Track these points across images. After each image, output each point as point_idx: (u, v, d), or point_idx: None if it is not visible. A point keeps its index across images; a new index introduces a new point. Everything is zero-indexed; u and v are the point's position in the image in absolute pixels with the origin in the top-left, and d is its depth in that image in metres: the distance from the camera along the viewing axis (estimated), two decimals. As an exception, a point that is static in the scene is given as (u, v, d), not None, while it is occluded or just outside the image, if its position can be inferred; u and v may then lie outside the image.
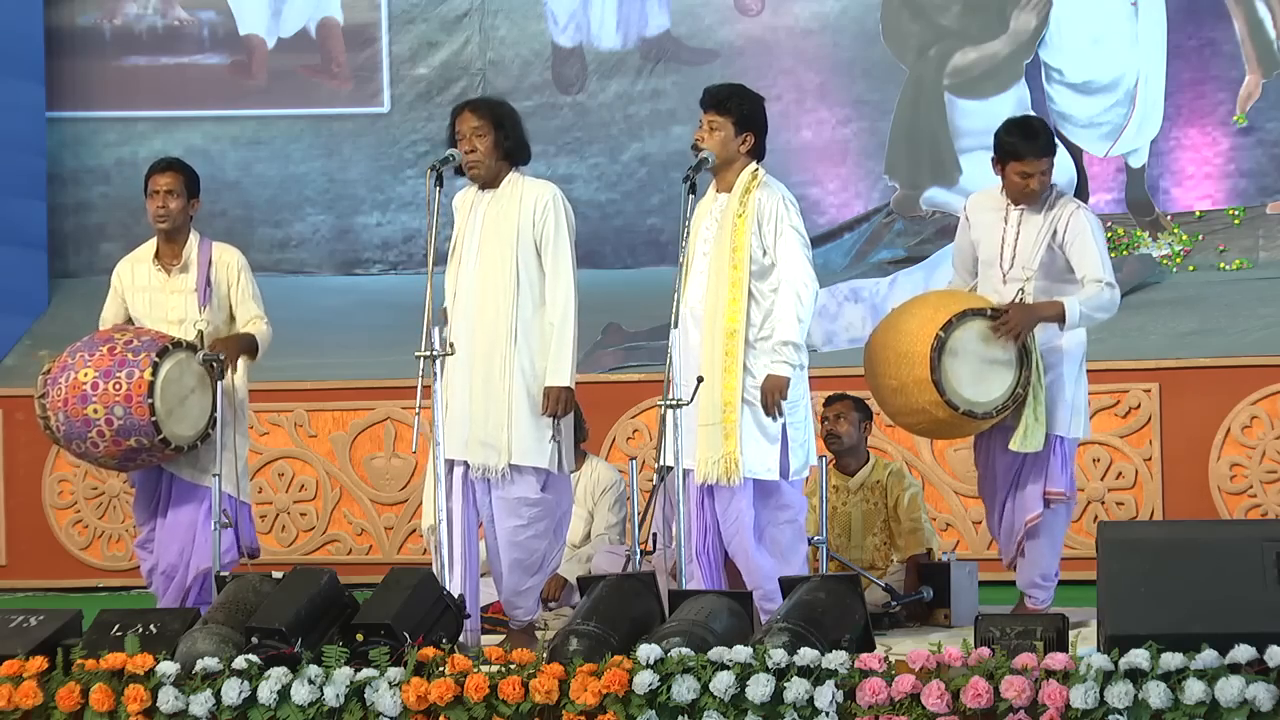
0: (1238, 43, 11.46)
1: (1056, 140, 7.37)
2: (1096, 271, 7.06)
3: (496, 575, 6.85)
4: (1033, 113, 11.31)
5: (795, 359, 6.73)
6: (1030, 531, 7.20)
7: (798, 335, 6.72)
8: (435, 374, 6.50)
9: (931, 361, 6.92)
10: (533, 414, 6.71)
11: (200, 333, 7.31)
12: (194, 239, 7.49)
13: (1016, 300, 7.06)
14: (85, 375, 7.13)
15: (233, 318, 7.48)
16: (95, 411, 7.11)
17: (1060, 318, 7.01)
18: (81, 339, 7.34)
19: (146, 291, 7.48)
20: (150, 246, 7.53)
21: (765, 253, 6.77)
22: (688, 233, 6.64)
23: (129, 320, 7.51)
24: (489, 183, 6.83)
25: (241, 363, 7.45)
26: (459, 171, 6.84)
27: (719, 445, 6.70)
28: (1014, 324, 6.98)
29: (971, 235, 7.33)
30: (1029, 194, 7.14)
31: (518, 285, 6.72)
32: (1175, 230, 11.34)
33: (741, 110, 6.85)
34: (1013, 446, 7.08)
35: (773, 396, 6.69)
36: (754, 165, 6.87)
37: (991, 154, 7.24)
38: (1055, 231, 7.10)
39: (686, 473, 6.69)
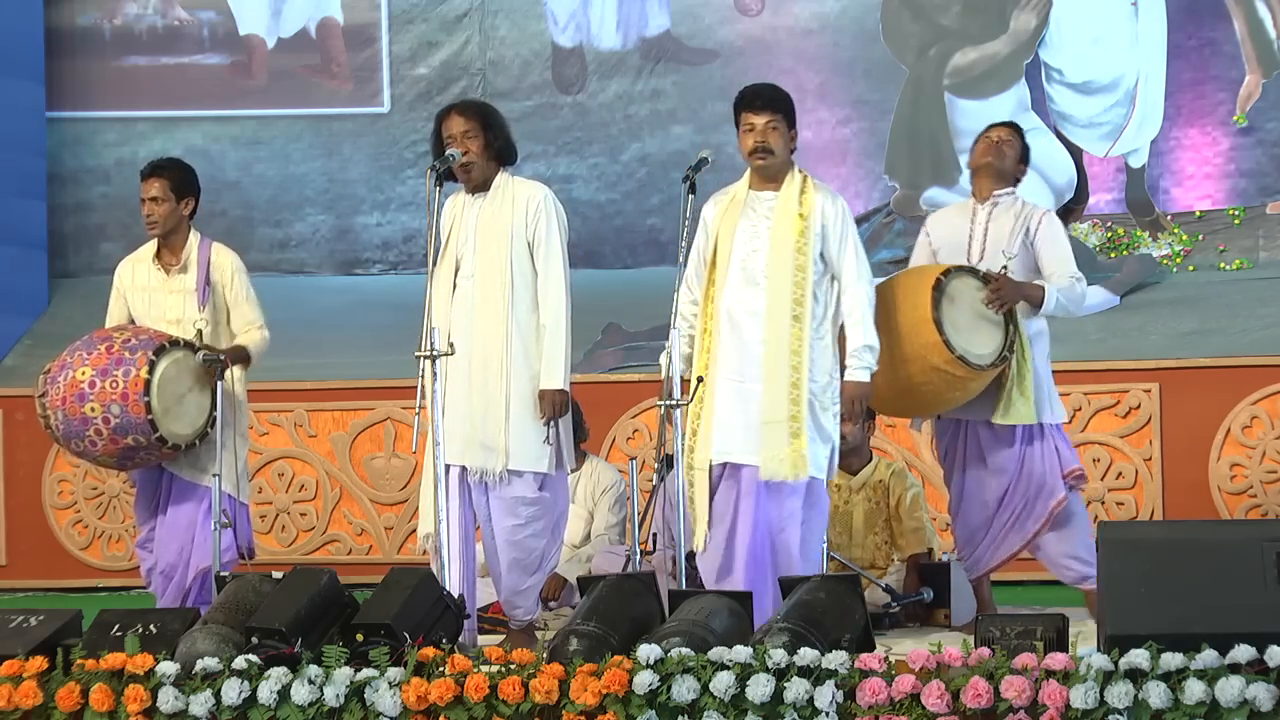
0: (1238, 43, 11.47)
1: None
2: (1069, 266, 7.20)
3: (495, 575, 6.85)
4: (1033, 113, 11.36)
5: (873, 364, 6.75)
6: (1059, 518, 7.19)
7: (875, 339, 6.75)
8: (435, 374, 6.49)
9: (933, 299, 6.93)
10: (530, 417, 6.71)
11: (199, 331, 7.31)
12: (194, 239, 7.49)
13: (1003, 273, 7.12)
14: (83, 374, 7.13)
15: (230, 319, 7.48)
16: (92, 410, 7.10)
17: (1039, 301, 7.11)
18: (81, 338, 7.34)
19: (146, 291, 7.48)
20: (151, 246, 7.53)
21: (823, 255, 6.78)
22: (687, 232, 6.64)
23: (132, 320, 7.51)
24: (480, 185, 6.84)
25: (237, 369, 7.44)
26: (450, 176, 6.84)
27: (784, 442, 6.66)
28: (1003, 292, 7.05)
29: (933, 247, 7.41)
30: (1000, 154, 7.28)
31: (512, 287, 6.73)
32: (1175, 230, 11.34)
33: (790, 108, 6.89)
34: (997, 419, 7.13)
35: (856, 405, 6.73)
36: (797, 165, 6.89)
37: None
38: (1028, 229, 7.23)
39: (739, 468, 6.69)
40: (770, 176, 6.83)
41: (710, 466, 6.67)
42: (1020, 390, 7.11)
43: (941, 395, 7.16)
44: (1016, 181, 7.41)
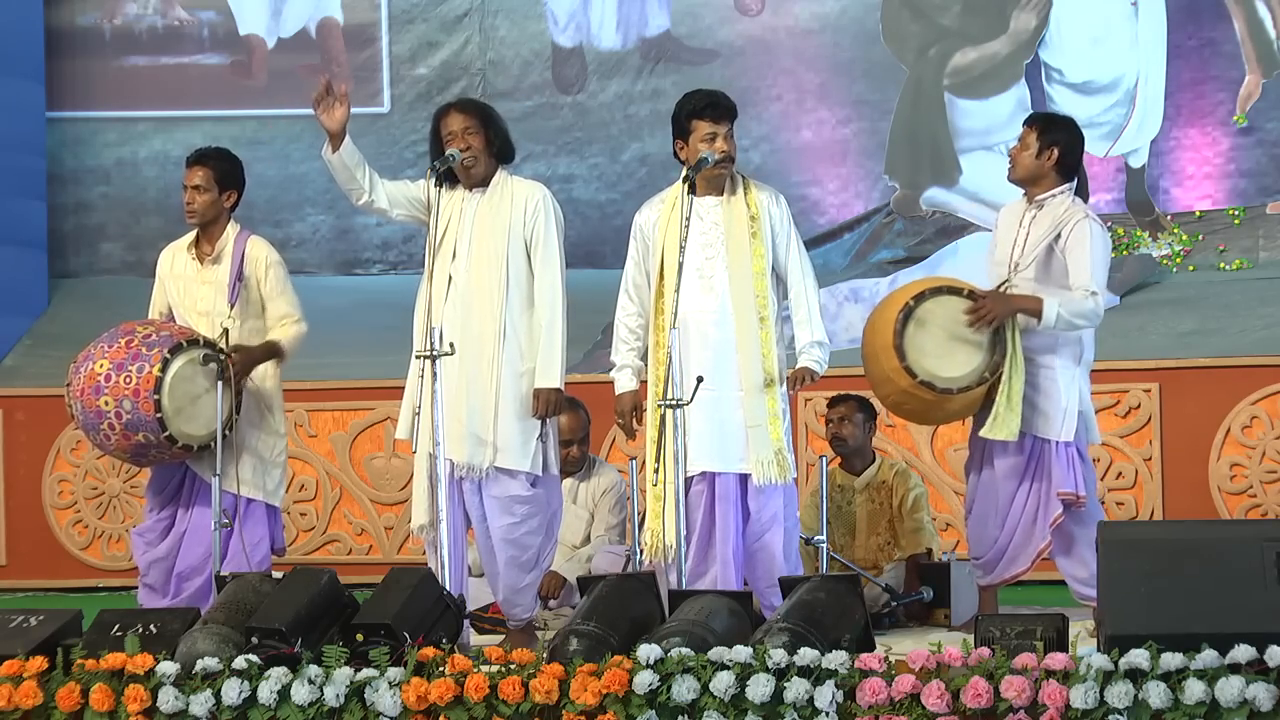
0: (1238, 43, 11.48)
1: None
2: (1083, 279, 6.91)
3: (492, 576, 6.84)
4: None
5: (825, 361, 6.82)
6: (1061, 542, 7.02)
7: (826, 335, 6.84)
8: (436, 374, 6.49)
9: (895, 326, 6.88)
10: (519, 415, 6.71)
11: (225, 331, 7.23)
12: (230, 231, 7.37)
13: (999, 289, 7.02)
14: (101, 366, 7.08)
15: (265, 313, 7.39)
16: (106, 404, 7.06)
17: (1037, 314, 6.88)
18: (110, 328, 7.27)
19: (181, 280, 7.39)
20: (192, 234, 7.44)
21: (771, 254, 6.80)
22: (686, 233, 6.64)
23: (171, 308, 7.45)
24: (479, 182, 6.84)
25: (270, 365, 7.37)
26: (450, 175, 6.84)
27: (770, 445, 6.71)
28: (989, 310, 6.88)
29: (994, 240, 7.27)
30: (1012, 165, 7.12)
31: (507, 284, 6.73)
32: (1175, 230, 11.35)
33: (736, 115, 6.90)
34: (983, 432, 7.01)
35: (801, 383, 6.76)
36: (735, 168, 6.93)
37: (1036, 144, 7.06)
38: (1060, 235, 7.00)
39: (713, 476, 6.72)
40: (719, 184, 6.84)
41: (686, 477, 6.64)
42: (1008, 404, 6.93)
43: (927, 413, 7.22)
44: (1067, 177, 7.10)
